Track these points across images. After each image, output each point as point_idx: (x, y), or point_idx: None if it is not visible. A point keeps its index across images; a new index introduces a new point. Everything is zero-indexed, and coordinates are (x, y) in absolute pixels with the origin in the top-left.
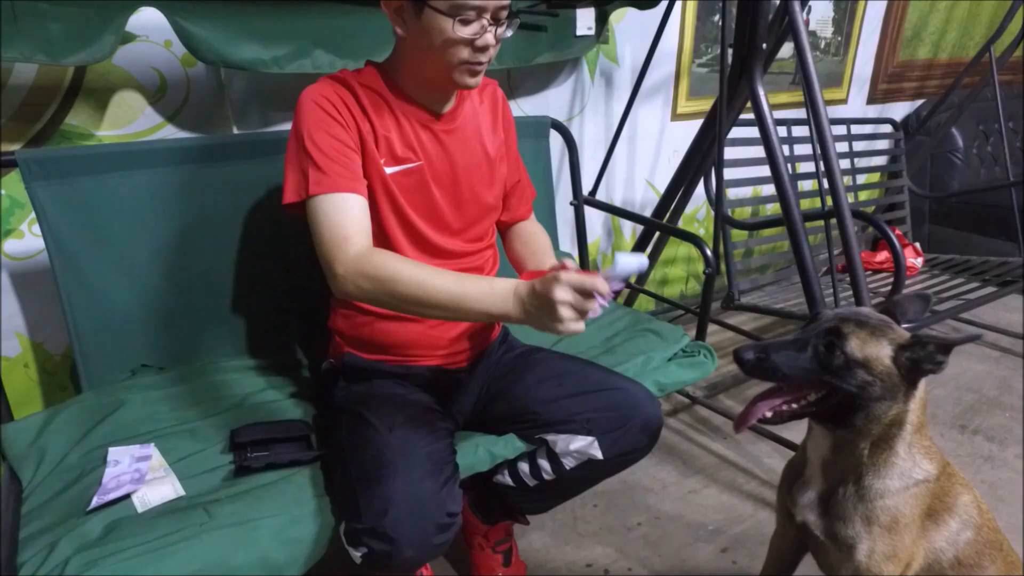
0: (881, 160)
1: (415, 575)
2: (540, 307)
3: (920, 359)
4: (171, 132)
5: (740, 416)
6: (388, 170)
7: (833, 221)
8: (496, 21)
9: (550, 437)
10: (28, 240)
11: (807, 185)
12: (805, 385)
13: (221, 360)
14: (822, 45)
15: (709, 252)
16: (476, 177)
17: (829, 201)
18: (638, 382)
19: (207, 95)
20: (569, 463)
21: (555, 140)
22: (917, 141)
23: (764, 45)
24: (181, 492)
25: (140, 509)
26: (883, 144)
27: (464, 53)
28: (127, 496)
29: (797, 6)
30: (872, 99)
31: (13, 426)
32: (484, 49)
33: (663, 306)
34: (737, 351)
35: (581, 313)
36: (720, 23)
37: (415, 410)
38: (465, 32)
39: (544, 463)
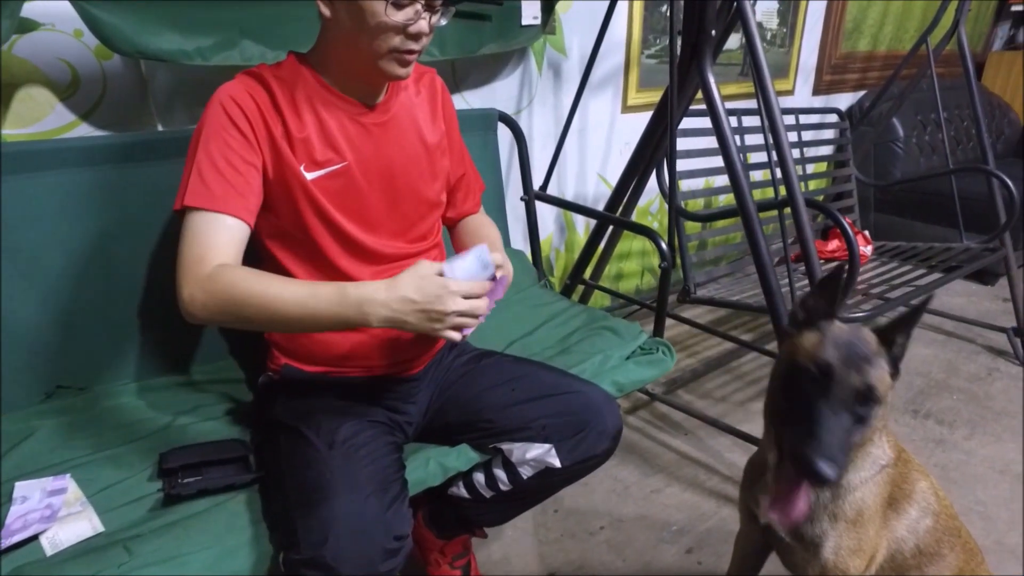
0: (828, 150)
1: None
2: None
3: (898, 359)
4: (87, 131)
5: (789, 507)
6: (309, 175)
7: (787, 210)
8: (431, 8)
9: (505, 446)
10: None
11: (758, 175)
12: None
13: (148, 378)
14: (768, 36)
15: (664, 245)
16: (415, 172)
17: (782, 191)
18: (595, 384)
19: (127, 90)
20: (526, 472)
21: (505, 134)
22: (861, 131)
23: (713, 31)
24: (100, 528)
25: (50, 552)
26: (830, 134)
27: (395, 40)
28: (35, 537)
29: None
30: (817, 90)
31: None
32: (417, 37)
33: (619, 302)
34: (822, 471)
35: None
36: (668, 13)
37: (358, 424)
38: (398, 17)
39: (500, 473)
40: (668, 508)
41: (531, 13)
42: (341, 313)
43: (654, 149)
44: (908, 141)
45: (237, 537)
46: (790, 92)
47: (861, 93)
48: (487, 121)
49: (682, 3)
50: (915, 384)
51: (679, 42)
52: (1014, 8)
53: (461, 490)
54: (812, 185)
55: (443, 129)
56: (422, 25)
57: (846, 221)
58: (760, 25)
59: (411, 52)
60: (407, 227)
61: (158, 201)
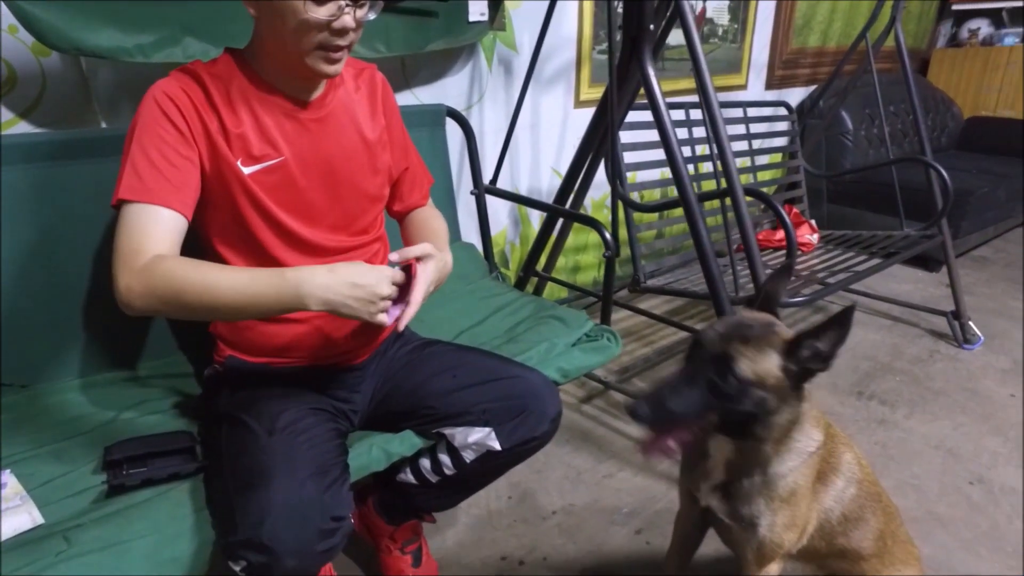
0: (782, 142)
1: None
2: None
3: (807, 361)
4: (26, 129)
5: (646, 446)
6: (247, 170)
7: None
8: (355, 2)
9: (448, 431)
10: None
11: (709, 166)
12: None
13: (93, 374)
14: (720, 32)
15: (608, 235)
16: (355, 166)
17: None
18: (536, 369)
19: (67, 88)
20: (469, 456)
21: (458, 130)
22: (811, 125)
23: (652, 26)
24: (40, 520)
25: None
26: (780, 127)
27: (320, 36)
28: None
29: None
30: (770, 84)
31: None
32: (342, 33)
33: (575, 294)
34: (631, 408)
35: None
36: (606, 7)
37: (300, 412)
38: (320, 13)
39: (445, 458)
40: (619, 492)
41: (478, 10)
42: (279, 296)
43: (600, 141)
44: (857, 134)
45: (179, 524)
46: (743, 87)
47: (813, 87)
48: (435, 117)
49: (621, 1)
50: (861, 367)
51: (619, 38)
52: (955, 7)
53: (408, 476)
54: (764, 176)
55: (383, 124)
56: (346, 20)
57: (791, 211)
58: (711, 21)
59: (338, 48)
60: (348, 221)
61: (102, 198)
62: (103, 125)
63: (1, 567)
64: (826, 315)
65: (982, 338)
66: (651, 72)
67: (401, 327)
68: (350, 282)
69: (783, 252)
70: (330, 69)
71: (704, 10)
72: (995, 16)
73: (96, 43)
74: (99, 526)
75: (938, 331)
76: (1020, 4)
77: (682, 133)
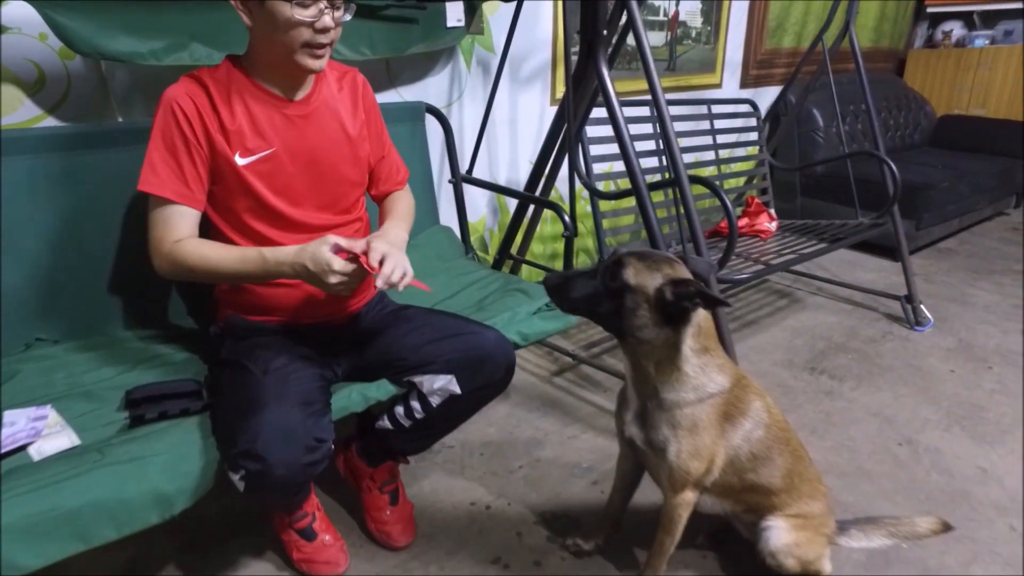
0: (749, 136)
1: (302, 509)
2: (300, 271)
3: (680, 295)
4: (53, 124)
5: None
6: (242, 161)
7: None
8: (332, 5)
9: (416, 379)
10: None
11: (689, 157)
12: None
13: (115, 332)
14: (693, 34)
15: (567, 218)
16: (337, 156)
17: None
18: (493, 327)
19: (89, 87)
20: (435, 401)
21: (440, 125)
22: (784, 121)
23: (606, 31)
24: (77, 442)
25: (36, 458)
26: (745, 123)
27: (305, 35)
28: (24, 448)
29: None
30: (745, 83)
31: None
32: (324, 31)
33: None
34: (546, 277)
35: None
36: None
37: (290, 358)
38: (304, 14)
39: (415, 404)
40: (581, 451)
41: (455, 16)
42: (262, 269)
43: (562, 137)
44: (828, 130)
45: (190, 447)
46: (717, 86)
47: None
48: (415, 113)
49: (578, 5)
50: (817, 347)
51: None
52: (930, 9)
53: (385, 423)
54: (731, 168)
55: (364, 119)
56: (327, 20)
57: (748, 199)
58: (684, 24)
59: (321, 46)
60: (331, 202)
61: (119, 182)
62: (119, 119)
63: (45, 473)
64: (791, 300)
65: (932, 320)
66: (605, 72)
67: (397, 281)
68: (304, 265)
69: (743, 239)
70: (315, 64)
71: (677, 13)
72: (967, 18)
73: (115, 48)
74: (125, 445)
75: (894, 315)
76: (990, 7)
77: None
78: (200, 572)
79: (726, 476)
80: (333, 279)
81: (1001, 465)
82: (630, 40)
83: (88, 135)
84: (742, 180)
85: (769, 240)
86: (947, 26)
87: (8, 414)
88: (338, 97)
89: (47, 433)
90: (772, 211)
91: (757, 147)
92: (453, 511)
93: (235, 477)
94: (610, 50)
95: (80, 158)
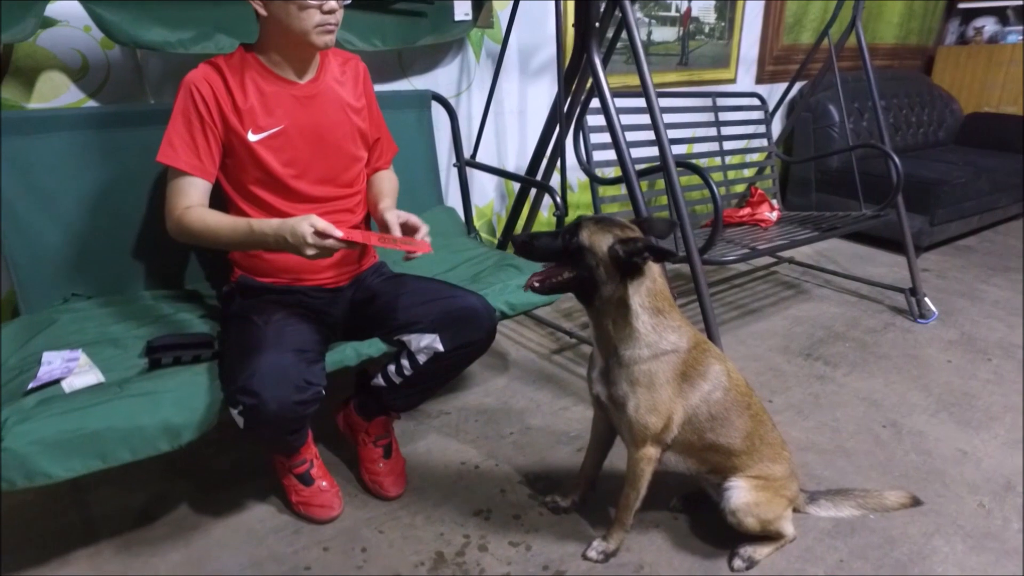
0: (758, 129)
1: (300, 455)
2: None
3: (630, 252)
4: (94, 105)
5: (528, 282)
6: (254, 137)
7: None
8: None
9: (405, 337)
10: None
11: (700, 148)
12: (560, 265)
13: (140, 290)
14: (706, 30)
15: (559, 198)
16: (340, 133)
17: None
18: (477, 293)
19: (126, 73)
20: (421, 358)
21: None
22: (801, 117)
23: (598, 24)
24: (102, 379)
25: (67, 391)
26: (753, 116)
27: (316, 16)
28: (58, 382)
29: None
30: (761, 79)
31: None
32: (331, 12)
33: None
34: (513, 236)
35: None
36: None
37: (290, 312)
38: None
39: (405, 362)
40: (571, 421)
41: (463, 10)
42: (248, 238)
43: (564, 124)
44: (844, 126)
45: (199, 387)
46: (731, 81)
47: (804, 83)
48: (422, 100)
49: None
50: (816, 335)
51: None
52: (962, 5)
53: (379, 380)
54: (736, 160)
55: (364, 103)
56: (332, 3)
57: (751, 190)
58: (697, 19)
59: (330, 24)
60: (334, 175)
61: (149, 158)
62: (151, 101)
63: (74, 402)
64: (797, 291)
65: (936, 313)
66: (598, 63)
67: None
68: (283, 235)
69: (743, 227)
70: (327, 39)
71: (690, 9)
72: (1001, 14)
73: (149, 38)
74: (142, 382)
75: (899, 308)
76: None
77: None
78: (210, 513)
79: (686, 434)
80: (309, 251)
81: (982, 448)
82: (641, 34)
83: (123, 115)
84: (751, 172)
85: (769, 229)
86: (979, 22)
87: (46, 354)
88: (341, 80)
89: (77, 371)
90: (775, 202)
91: (764, 140)
92: (444, 469)
93: (235, 412)
94: (607, 44)
95: (116, 135)
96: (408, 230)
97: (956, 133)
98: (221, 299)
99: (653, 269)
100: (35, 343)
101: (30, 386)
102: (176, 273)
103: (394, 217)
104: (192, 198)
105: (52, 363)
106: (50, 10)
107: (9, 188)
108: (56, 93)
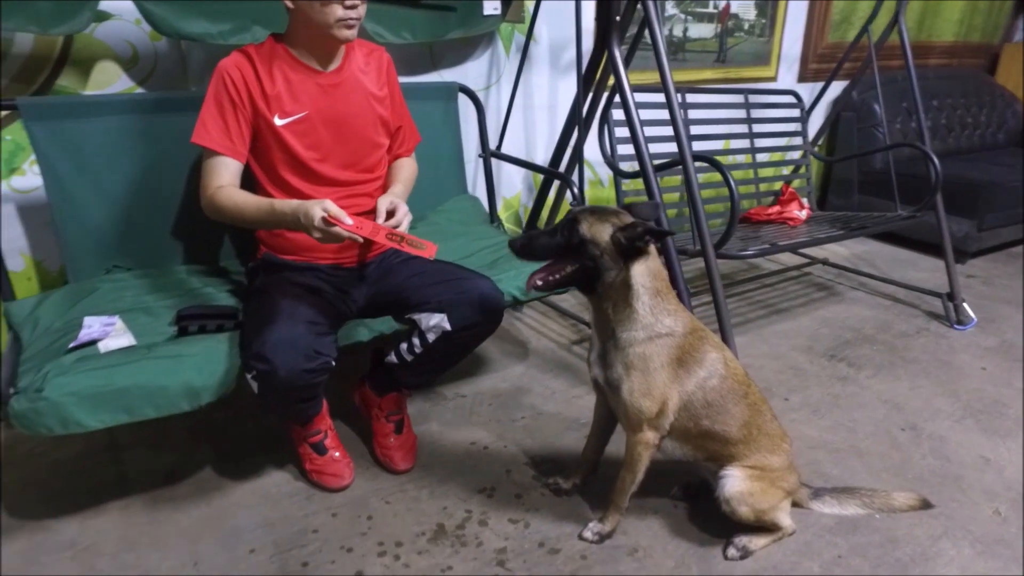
0: (795, 127)
1: (315, 425)
2: (295, 220)
3: (631, 237)
4: (142, 91)
5: (529, 280)
6: (280, 121)
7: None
8: None
9: (415, 316)
10: (29, 177)
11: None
12: (561, 260)
13: (175, 265)
14: (746, 27)
15: (576, 189)
16: (363, 120)
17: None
18: (486, 276)
19: (171, 63)
20: (431, 337)
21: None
22: (845, 117)
23: (618, 18)
24: (134, 342)
25: (103, 351)
26: (788, 114)
27: (339, 11)
28: (95, 343)
29: None
30: (803, 77)
31: (16, 304)
32: (353, 7)
33: None
34: (511, 239)
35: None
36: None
37: (307, 288)
38: None
39: (415, 340)
40: (583, 409)
41: (492, 5)
42: (271, 216)
43: (586, 119)
44: (891, 126)
45: (220, 352)
46: (772, 78)
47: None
48: (449, 92)
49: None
50: (843, 337)
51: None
52: None
53: (392, 358)
54: (768, 158)
55: (387, 92)
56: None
57: (782, 188)
58: (736, 16)
59: (352, 19)
60: (356, 160)
61: (186, 139)
62: (193, 89)
63: (107, 360)
64: (830, 293)
65: (974, 320)
66: (618, 57)
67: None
68: (297, 216)
69: (772, 225)
70: (349, 34)
71: (728, 6)
72: None
73: (192, 30)
74: (169, 346)
75: (936, 313)
76: None
77: (706, 114)
78: (231, 476)
79: (682, 421)
80: (316, 233)
81: (1007, 456)
82: (677, 31)
83: (167, 101)
84: (788, 170)
85: (797, 227)
86: None
87: (87, 319)
88: (365, 70)
89: (113, 334)
90: (805, 200)
91: (800, 138)
92: (453, 448)
93: (249, 377)
94: (630, 41)
95: (160, 119)
96: (389, 216)
97: (1018, 135)
98: (247, 274)
99: (652, 249)
100: (78, 308)
101: (71, 345)
102: (209, 250)
103: (384, 203)
104: (224, 178)
105: (91, 326)
106: (105, 5)
107: (61, 167)
108: (109, 81)
